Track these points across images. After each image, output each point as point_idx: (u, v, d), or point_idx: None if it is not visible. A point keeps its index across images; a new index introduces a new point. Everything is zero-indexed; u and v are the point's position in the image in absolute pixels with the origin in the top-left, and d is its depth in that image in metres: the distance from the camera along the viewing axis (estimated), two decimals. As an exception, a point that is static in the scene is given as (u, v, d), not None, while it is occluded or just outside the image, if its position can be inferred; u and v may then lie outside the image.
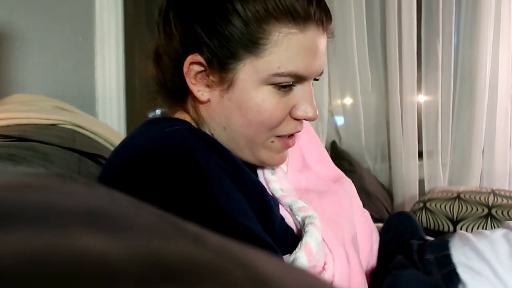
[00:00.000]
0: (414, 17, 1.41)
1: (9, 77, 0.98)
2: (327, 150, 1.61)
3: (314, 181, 0.58)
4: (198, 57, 0.46)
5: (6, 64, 0.98)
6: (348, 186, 0.64)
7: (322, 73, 0.50)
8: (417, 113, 1.46)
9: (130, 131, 1.35)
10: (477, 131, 1.46)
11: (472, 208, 1.15)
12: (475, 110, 1.45)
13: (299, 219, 0.49)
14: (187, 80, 0.48)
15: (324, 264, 0.46)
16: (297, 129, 0.51)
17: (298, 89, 0.49)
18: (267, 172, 0.54)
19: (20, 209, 0.12)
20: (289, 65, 0.45)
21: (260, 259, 0.13)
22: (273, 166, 0.54)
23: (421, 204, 1.29)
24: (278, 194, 0.52)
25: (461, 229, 1.12)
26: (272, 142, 0.50)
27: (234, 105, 0.47)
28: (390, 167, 1.52)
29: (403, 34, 1.42)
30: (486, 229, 1.08)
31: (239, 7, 0.44)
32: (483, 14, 1.42)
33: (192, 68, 0.47)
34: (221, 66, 0.46)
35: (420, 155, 1.51)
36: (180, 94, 0.51)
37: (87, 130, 0.82)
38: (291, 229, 0.50)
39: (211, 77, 0.47)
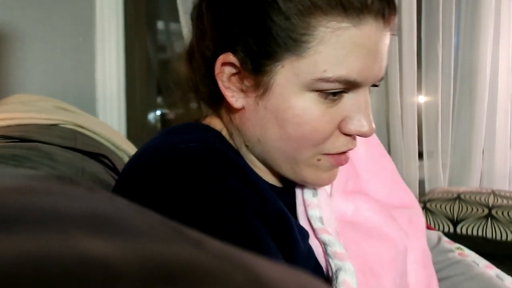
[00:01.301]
0: (414, 17, 1.41)
1: (10, 77, 0.98)
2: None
3: (365, 211, 0.47)
4: (230, 57, 0.39)
5: (7, 64, 0.98)
6: (407, 221, 0.51)
7: (382, 78, 0.41)
8: (417, 114, 1.46)
9: (130, 130, 1.35)
10: (477, 132, 1.46)
11: (472, 209, 1.15)
12: (475, 110, 1.45)
13: (333, 265, 0.41)
14: (219, 83, 0.41)
15: None
16: (348, 146, 0.41)
17: (351, 97, 0.40)
18: (307, 193, 0.45)
19: (22, 213, 0.12)
20: (338, 68, 0.37)
21: (261, 263, 0.13)
22: (320, 186, 0.45)
23: (422, 205, 1.29)
24: (316, 224, 0.43)
25: (461, 230, 1.13)
26: (319, 160, 0.41)
27: (270, 114, 0.39)
28: (390, 167, 1.52)
29: (403, 34, 1.42)
30: (486, 229, 1.08)
31: None
32: (483, 14, 1.42)
33: (225, 69, 0.41)
34: (256, 67, 0.39)
35: (420, 155, 1.52)
36: (213, 97, 0.44)
37: (88, 130, 0.82)
38: (320, 267, 0.43)
39: (245, 81, 0.40)
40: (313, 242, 0.44)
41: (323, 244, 0.42)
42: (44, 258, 0.10)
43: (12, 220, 0.12)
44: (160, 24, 1.64)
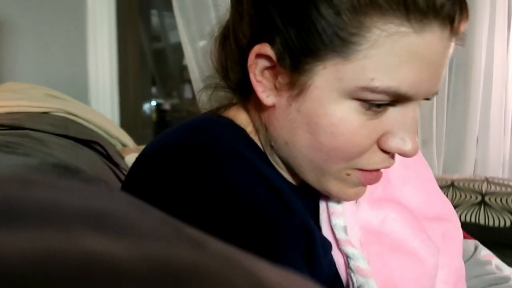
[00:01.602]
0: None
1: (0, 66, 0.96)
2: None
3: (392, 222, 0.43)
4: (267, 48, 0.35)
5: (-3, 52, 0.96)
6: (440, 235, 0.47)
7: (437, 93, 0.36)
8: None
9: (124, 120, 1.34)
10: (471, 120, 1.47)
11: (466, 196, 1.16)
12: (470, 99, 1.46)
13: (354, 281, 0.38)
14: (251, 75, 0.37)
15: None
16: (385, 164, 0.37)
17: (397, 111, 0.35)
18: (333, 200, 0.42)
19: (24, 207, 0.12)
20: (388, 78, 0.32)
21: (262, 267, 0.13)
22: (344, 200, 0.41)
23: (415, 192, 1.30)
24: (339, 235, 0.40)
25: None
26: (348, 175, 0.37)
27: (303, 118, 0.35)
28: (385, 156, 1.53)
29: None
30: (479, 216, 1.10)
31: None
32: (478, 4, 1.42)
33: (259, 61, 0.36)
34: (294, 64, 0.34)
35: (415, 144, 1.52)
36: (242, 88, 0.40)
37: (79, 117, 0.81)
38: (340, 280, 0.40)
39: (280, 78, 0.36)
40: (335, 252, 0.41)
41: (346, 257, 0.39)
42: (47, 256, 0.10)
43: (13, 215, 0.12)
44: (153, 13, 1.62)
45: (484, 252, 0.61)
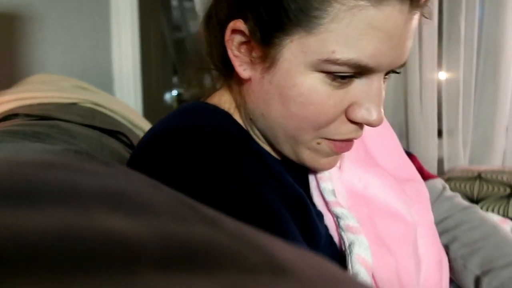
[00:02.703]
0: (437, -11, 1.35)
1: (30, 58, 1.00)
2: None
3: (374, 188, 0.45)
4: (241, 24, 0.38)
5: (28, 45, 1.00)
6: (415, 194, 0.50)
7: (404, 65, 0.38)
8: (437, 91, 1.42)
9: (146, 109, 1.37)
10: (501, 109, 1.41)
11: (493, 188, 1.12)
12: (500, 86, 1.40)
13: (345, 239, 0.40)
14: (228, 50, 0.39)
15: None
16: (352, 135, 0.39)
17: (362, 82, 0.37)
18: None
19: (45, 187, 0.13)
20: (348, 50, 0.34)
21: (276, 244, 0.13)
22: (317, 170, 0.44)
23: (440, 183, 1.27)
24: (328, 197, 0.42)
25: (481, 209, 1.10)
26: (319, 143, 0.40)
27: (275, 90, 0.38)
28: (408, 145, 1.49)
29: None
30: (508, 209, 1.06)
31: None
32: (511, -15, 1.34)
33: (235, 37, 0.39)
34: (264, 39, 0.37)
35: (440, 133, 1.48)
36: (225, 65, 0.43)
37: (105, 108, 0.84)
38: (334, 243, 0.42)
39: (254, 52, 0.38)
40: (326, 216, 0.43)
41: (336, 217, 0.41)
42: (67, 234, 0.10)
43: (34, 194, 0.12)
44: (174, 3, 1.63)
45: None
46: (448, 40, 1.41)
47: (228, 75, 0.44)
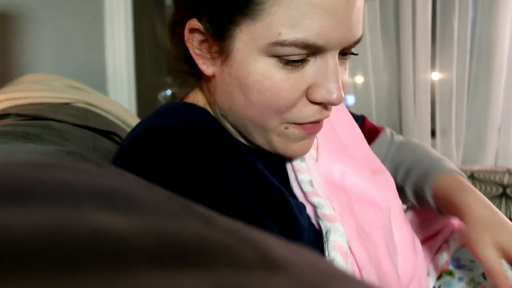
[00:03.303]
0: (430, -10, 1.37)
1: (23, 57, 0.99)
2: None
3: (351, 176, 0.47)
4: (196, 23, 0.39)
5: (20, 44, 0.99)
6: (384, 183, 0.52)
7: (357, 42, 0.38)
8: (430, 91, 1.43)
9: (140, 109, 1.36)
10: (493, 109, 1.42)
11: (486, 188, 1.13)
12: (492, 87, 1.41)
13: (323, 227, 0.41)
14: (190, 50, 0.41)
15: None
16: (317, 117, 0.40)
17: (317, 63, 0.38)
18: (296, 159, 0.45)
19: (37, 186, 0.13)
20: (293, 30, 0.35)
21: (269, 240, 0.13)
22: (291, 157, 0.44)
23: (433, 183, 1.28)
24: (306, 188, 0.43)
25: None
26: (287, 128, 0.40)
27: (235, 81, 0.39)
28: (402, 146, 1.51)
29: (417, 7, 1.38)
30: (500, 209, 1.07)
31: None
32: (503, -15, 1.36)
33: (194, 36, 0.40)
34: (217, 33, 0.38)
35: (433, 133, 1.49)
36: (192, 65, 0.44)
37: (99, 108, 0.83)
38: (317, 233, 0.43)
39: (213, 48, 0.39)
40: (306, 206, 0.44)
41: (314, 207, 0.43)
42: (58, 231, 0.10)
43: (26, 194, 0.12)
44: (168, 2, 1.62)
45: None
46: (441, 41, 1.42)
47: (196, 75, 0.46)
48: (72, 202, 0.12)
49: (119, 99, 1.23)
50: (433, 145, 1.48)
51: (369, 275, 0.41)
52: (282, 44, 0.35)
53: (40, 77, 0.88)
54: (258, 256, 0.12)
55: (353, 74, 1.52)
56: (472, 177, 1.21)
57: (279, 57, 0.36)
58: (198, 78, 0.46)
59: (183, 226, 0.12)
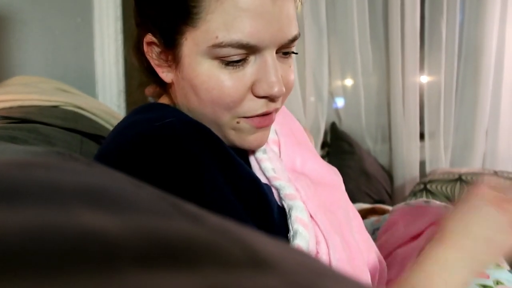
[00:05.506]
0: (418, -6, 1.39)
1: (10, 59, 0.98)
2: (327, 132, 1.61)
3: (311, 164, 0.52)
4: (150, 36, 0.44)
5: (7, 46, 0.98)
6: (339, 179, 0.57)
7: (294, 40, 0.43)
8: (419, 94, 1.45)
9: (130, 112, 1.35)
10: (481, 112, 1.45)
11: (473, 189, 1.15)
12: (480, 90, 1.44)
13: (286, 206, 0.45)
14: (150, 61, 0.46)
15: (317, 253, 0.43)
16: (264, 109, 0.44)
17: (257, 62, 0.42)
18: (258, 152, 0.50)
19: (23, 186, 0.13)
20: (228, 33, 0.39)
21: (258, 239, 0.14)
22: (248, 149, 0.48)
23: (422, 186, 1.29)
24: (269, 173, 0.47)
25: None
26: (238, 123, 0.44)
27: (187, 83, 0.43)
28: (390, 148, 1.52)
29: (405, 12, 1.40)
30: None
31: None
32: (489, -10, 1.39)
33: (153, 49, 0.45)
34: (168, 43, 0.43)
35: (422, 136, 1.51)
36: (156, 75, 0.48)
37: (88, 111, 0.82)
38: (282, 210, 0.46)
39: (169, 57, 0.45)
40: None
41: (277, 190, 0.47)
42: (44, 231, 0.10)
43: (13, 193, 0.12)
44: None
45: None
46: (430, 44, 1.44)
47: (161, 83, 0.49)
48: (60, 202, 0.12)
49: (108, 102, 1.22)
50: (422, 148, 1.50)
51: (334, 241, 0.45)
52: (220, 45, 0.40)
53: (28, 80, 0.87)
54: (247, 255, 0.12)
55: (342, 77, 1.54)
56: (460, 179, 1.23)
57: (220, 59, 0.41)
58: (163, 86, 0.51)
59: (172, 225, 0.12)
